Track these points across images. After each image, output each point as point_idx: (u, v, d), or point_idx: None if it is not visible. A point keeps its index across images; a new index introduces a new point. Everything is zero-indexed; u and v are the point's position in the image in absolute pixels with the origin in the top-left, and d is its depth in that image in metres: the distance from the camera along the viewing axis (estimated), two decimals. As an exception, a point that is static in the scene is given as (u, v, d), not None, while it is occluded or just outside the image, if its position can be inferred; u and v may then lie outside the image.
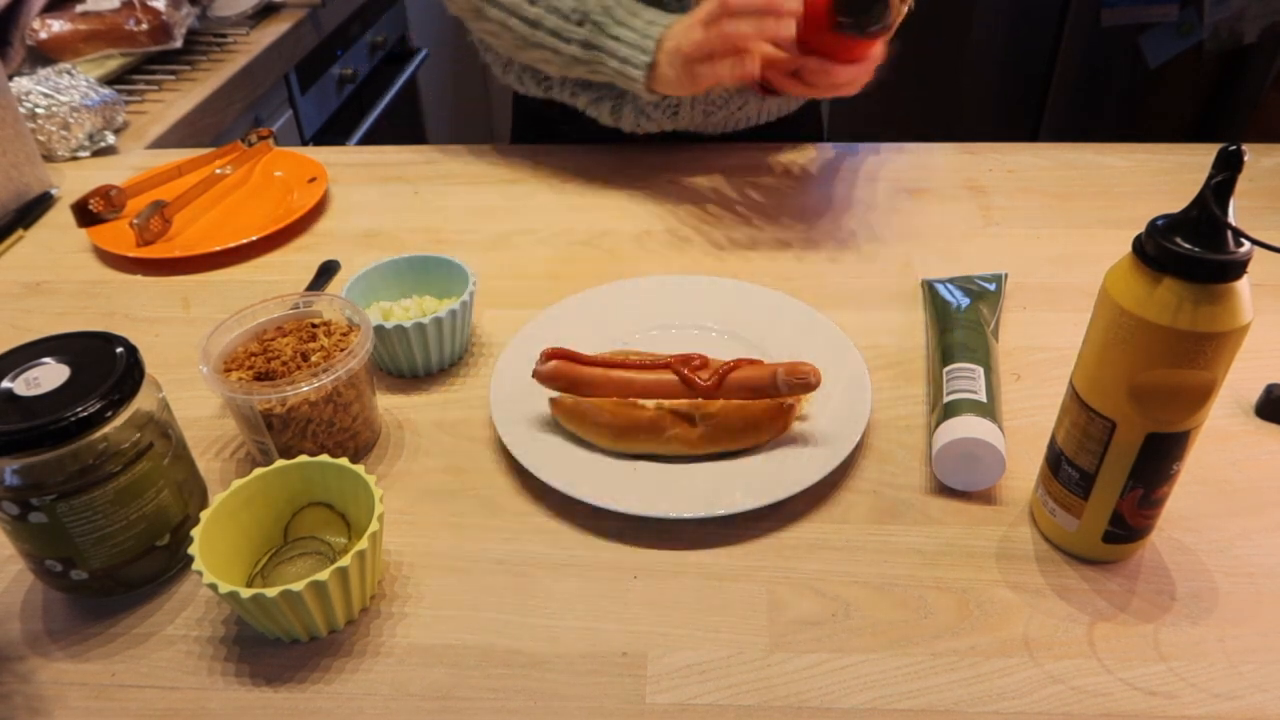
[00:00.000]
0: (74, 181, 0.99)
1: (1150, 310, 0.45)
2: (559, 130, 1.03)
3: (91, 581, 0.52)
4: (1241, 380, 0.67)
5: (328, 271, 0.83)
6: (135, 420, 0.51)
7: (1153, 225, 0.45)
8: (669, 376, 0.61)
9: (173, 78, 1.26)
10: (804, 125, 1.07)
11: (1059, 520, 0.54)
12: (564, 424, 0.62)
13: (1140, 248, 0.46)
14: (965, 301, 0.71)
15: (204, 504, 0.57)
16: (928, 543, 0.56)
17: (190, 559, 0.48)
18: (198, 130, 1.19)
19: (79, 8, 1.25)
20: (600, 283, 0.77)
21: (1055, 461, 0.53)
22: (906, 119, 2.45)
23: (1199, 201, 0.43)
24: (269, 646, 0.51)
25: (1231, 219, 0.43)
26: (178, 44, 1.29)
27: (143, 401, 0.51)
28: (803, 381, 0.59)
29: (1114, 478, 0.50)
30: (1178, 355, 0.45)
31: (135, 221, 0.86)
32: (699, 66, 0.76)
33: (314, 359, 0.61)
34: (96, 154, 1.06)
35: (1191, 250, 0.43)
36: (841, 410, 0.63)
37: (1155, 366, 0.46)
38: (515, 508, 0.59)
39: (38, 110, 1.02)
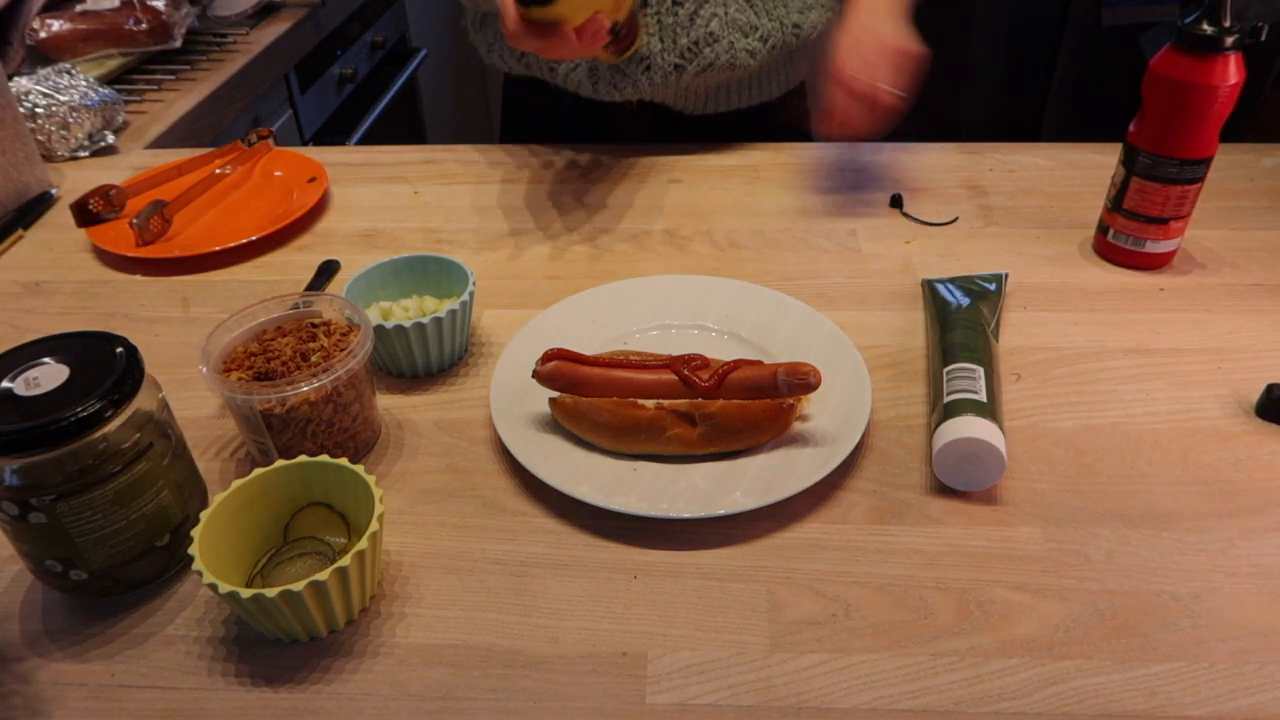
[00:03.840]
0: (74, 181, 0.99)
1: None
2: (545, 115, 1.04)
3: (91, 582, 0.52)
4: (1241, 380, 0.67)
5: (327, 271, 0.83)
6: (135, 420, 0.51)
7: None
8: (669, 376, 0.61)
9: (172, 77, 1.26)
10: (788, 113, 1.06)
11: None
12: (564, 424, 0.62)
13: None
14: (965, 301, 0.71)
15: (204, 504, 0.57)
16: (928, 543, 0.56)
17: (190, 559, 0.48)
18: (197, 130, 1.19)
19: (79, 7, 1.25)
20: (600, 283, 0.77)
21: None
22: (907, 119, 2.44)
23: None
24: (269, 646, 0.51)
25: None
26: (177, 44, 1.29)
27: (142, 401, 0.51)
28: (803, 382, 0.59)
29: None
30: None
31: (135, 221, 0.86)
32: None
33: (314, 359, 0.60)
34: (96, 154, 1.06)
35: None
36: (841, 410, 0.63)
37: None
38: (515, 508, 0.59)
39: (37, 110, 1.02)
